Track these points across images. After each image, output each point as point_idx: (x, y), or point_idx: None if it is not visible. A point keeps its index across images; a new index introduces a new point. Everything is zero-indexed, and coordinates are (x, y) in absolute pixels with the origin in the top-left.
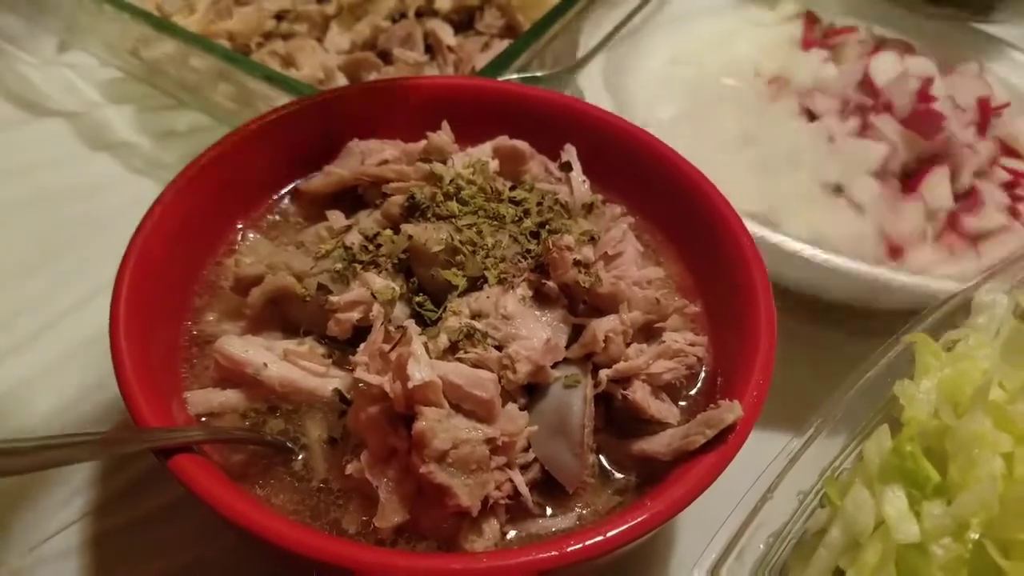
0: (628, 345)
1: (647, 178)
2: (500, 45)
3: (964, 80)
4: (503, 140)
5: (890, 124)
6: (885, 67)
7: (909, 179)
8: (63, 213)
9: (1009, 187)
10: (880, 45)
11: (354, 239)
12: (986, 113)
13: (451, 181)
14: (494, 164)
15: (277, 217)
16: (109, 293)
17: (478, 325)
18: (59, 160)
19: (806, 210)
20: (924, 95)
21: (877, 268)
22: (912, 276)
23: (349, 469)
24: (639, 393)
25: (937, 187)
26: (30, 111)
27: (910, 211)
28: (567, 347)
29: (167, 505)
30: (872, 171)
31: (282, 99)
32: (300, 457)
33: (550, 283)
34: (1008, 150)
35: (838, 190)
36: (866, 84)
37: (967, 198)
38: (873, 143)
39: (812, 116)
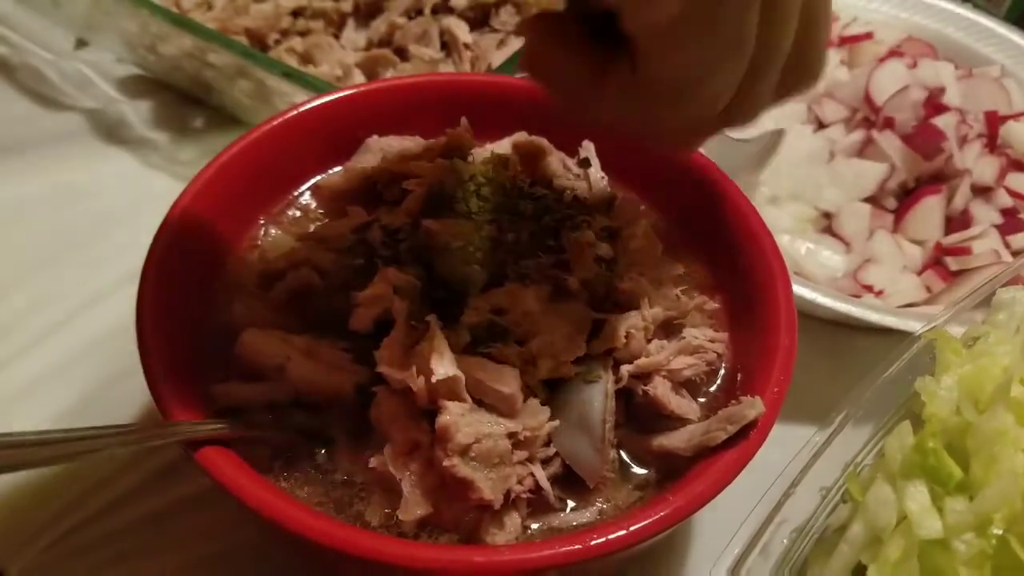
0: (649, 341)
1: (666, 175)
2: (516, 42)
3: (981, 84)
4: (522, 136)
5: (892, 141)
6: (888, 79)
7: (908, 196)
8: (80, 208)
9: (1009, 214)
10: (895, 50)
11: (375, 235)
12: (994, 126)
13: (471, 177)
14: (513, 160)
15: (298, 213)
16: (126, 287)
17: (499, 320)
18: (75, 156)
19: (792, 244)
20: (932, 105)
21: (849, 304)
22: (882, 314)
23: (372, 462)
24: (660, 389)
25: (926, 217)
26: (46, 107)
27: (890, 249)
28: (588, 343)
29: (183, 498)
30: (866, 196)
31: (300, 96)
32: (323, 451)
33: (571, 279)
34: (1018, 164)
35: (827, 216)
36: (868, 99)
37: (958, 223)
38: (871, 164)
39: (820, 122)
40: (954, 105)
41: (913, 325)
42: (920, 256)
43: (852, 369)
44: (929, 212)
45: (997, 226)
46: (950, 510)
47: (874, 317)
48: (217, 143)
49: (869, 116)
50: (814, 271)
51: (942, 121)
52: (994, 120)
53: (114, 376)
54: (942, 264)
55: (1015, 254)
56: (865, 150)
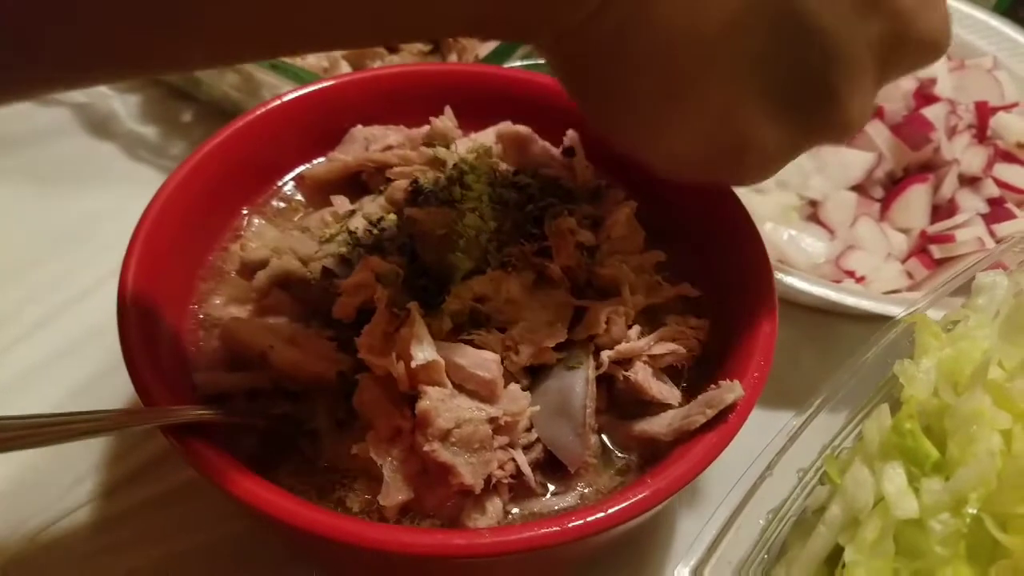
0: (630, 327)
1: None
2: None
3: (973, 76)
4: (506, 126)
5: (880, 131)
6: None
7: (896, 185)
8: (68, 203)
9: (996, 203)
10: None
11: (358, 224)
12: (984, 117)
13: (455, 166)
14: (497, 149)
15: (282, 203)
16: (115, 282)
17: (481, 308)
18: (65, 149)
19: (775, 231)
20: (923, 96)
21: (827, 289)
22: (860, 298)
23: (354, 449)
24: (640, 375)
25: (912, 205)
26: (35, 101)
27: (874, 236)
28: (569, 329)
29: (172, 489)
30: (853, 184)
31: (287, 87)
32: (306, 438)
33: (553, 266)
34: (1006, 155)
35: (813, 204)
36: None
37: (944, 212)
38: (858, 152)
39: None
40: (945, 96)
41: (892, 310)
42: (905, 244)
43: (835, 355)
44: (915, 200)
45: (983, 215)
46: (926, 490)
47: (851, 301)
48: (206, 137)
49: None
50: (796, 257)
51: (932, 112)
52: (984, 111)
53: (104, 369)
54: (927, 252)
55: (1000, 242)
56: (854, 139)
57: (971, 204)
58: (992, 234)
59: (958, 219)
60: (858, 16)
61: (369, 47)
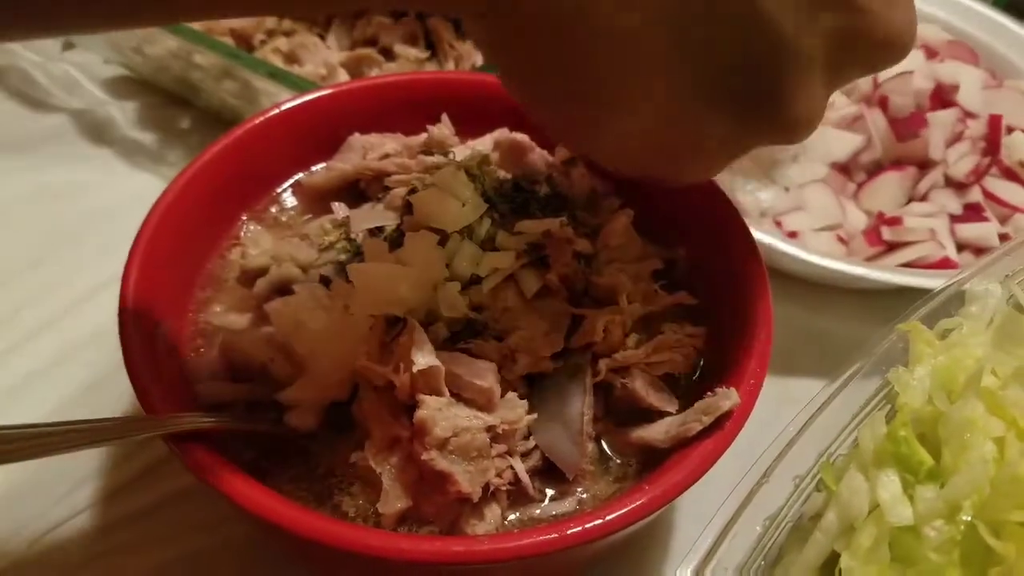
0: (627, 335)
1: None
2: None
3: (1007, 96)
4: (504, 133)
5: (878, 119)
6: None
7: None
8: (66, 209)
9: (973, 208)
10: (931, 48)
11: (356, 231)
12: (995, 130)
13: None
14: (495, 157)
15: (280, 211)
16: (113, 288)
17: (478, 316)
18: (62, 157)
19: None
20: (940, 100)
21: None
22: (894, 275)
23: (353, 457)
24: (638, 382)
25: (881, 191)
26: (34, 108)
27: (824, 203)
28: (567, 337)
29: (169, 495)
30: (834, 161)
31: (285, 95)
32: (306, 446)
33: (550, 275)
34: (1008, 171)
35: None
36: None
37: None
38: (848, 135)
39: None
40: (967, 106)
41: (929, 283)
42: (863, 223)
43: (831, 361)
44: (885, 186)
45: (954, 216)
46: (921, 498)
47: (883, 277)
48: (204, 143)
49: (869, 94)
50: (744, 202)
51: (940, 116)
52: (996, 123)
53: (102, 375)
54: (876, 232)
55: (960, 245)
56: (854, 124)
57: (945, 202)
58: (952, 233)
59: (915, 207)
60: (809, 6)
61: (296, 16)
